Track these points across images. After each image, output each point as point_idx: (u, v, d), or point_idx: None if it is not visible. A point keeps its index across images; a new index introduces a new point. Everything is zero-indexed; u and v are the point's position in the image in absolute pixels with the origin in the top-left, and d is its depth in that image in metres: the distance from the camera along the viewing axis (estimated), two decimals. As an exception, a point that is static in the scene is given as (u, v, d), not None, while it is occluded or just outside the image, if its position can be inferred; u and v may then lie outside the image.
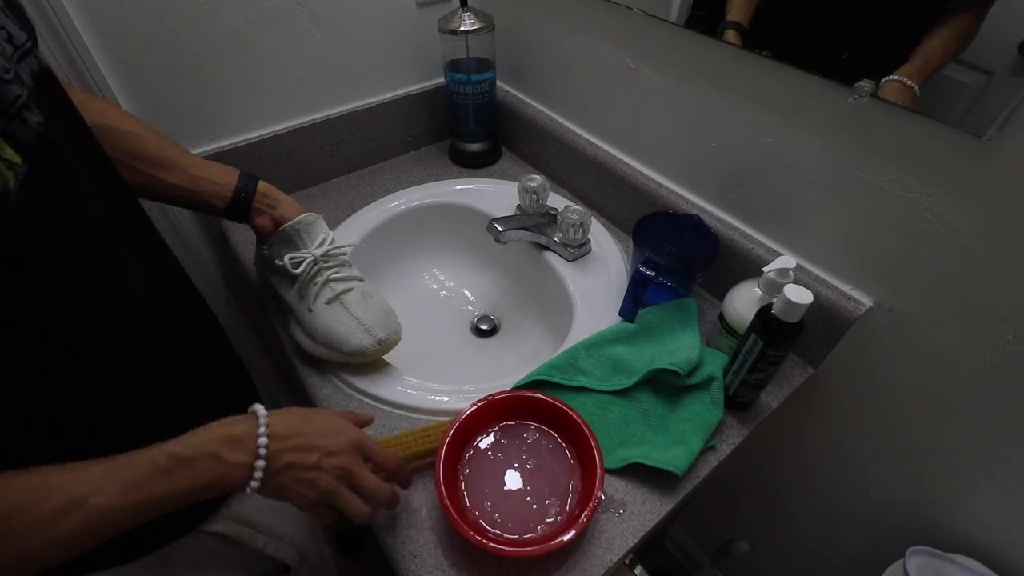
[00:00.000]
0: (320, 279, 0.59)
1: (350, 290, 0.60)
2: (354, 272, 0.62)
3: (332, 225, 0.82)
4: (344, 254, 0.61)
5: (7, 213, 0.30)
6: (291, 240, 0.59)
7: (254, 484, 0.39)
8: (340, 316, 0.59)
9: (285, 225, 0.58)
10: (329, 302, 0.59)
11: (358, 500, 0.44)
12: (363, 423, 0.50)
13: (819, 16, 0.52)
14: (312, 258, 0.59)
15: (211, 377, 0.52)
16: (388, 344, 0.60)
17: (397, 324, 0.62)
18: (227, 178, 0.58)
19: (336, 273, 0.60)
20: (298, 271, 0.58)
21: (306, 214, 0.59)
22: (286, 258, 0.58)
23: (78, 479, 0.33)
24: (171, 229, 0.81)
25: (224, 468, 0.38)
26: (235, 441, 0.39)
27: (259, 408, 0.41)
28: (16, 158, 0.31)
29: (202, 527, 0.48)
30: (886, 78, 0.47)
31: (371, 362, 0.61)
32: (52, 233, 0.34)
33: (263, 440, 0.39)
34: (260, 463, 0.39)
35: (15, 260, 0.31)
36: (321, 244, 0.60)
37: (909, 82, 0.46)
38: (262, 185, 0.60)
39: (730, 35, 0.57)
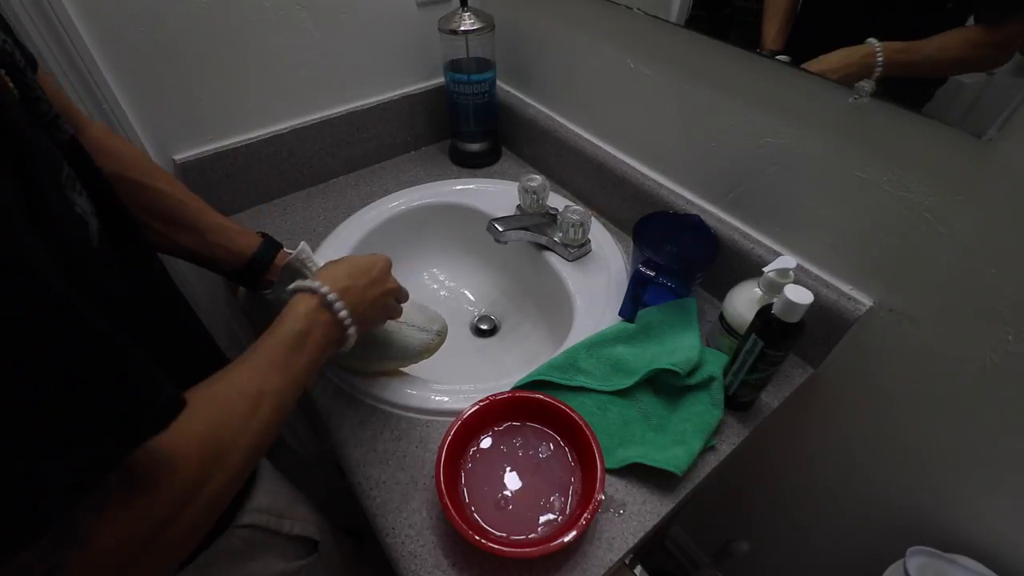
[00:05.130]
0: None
1: None
2: None
3: (332, 226, 0.82)
4: None
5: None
6: (299, 272, 0.55)
7: (351, 330, 0.46)
8: (388, 326, 0.59)
9: (290, 259, 0.55)
10: None
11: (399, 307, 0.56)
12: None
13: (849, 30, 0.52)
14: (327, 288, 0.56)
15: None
16: (444, 333, 0.63)
17: (437, 312, 0.64)
18: (244, 247, 0.55)
19: None
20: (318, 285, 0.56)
21: (302, 243, 0.56)
22: None
23: (246, 376, 0.37)
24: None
25: (328, 329, 0.44)
26: (319, 308, 0.44)
27: (311, 283, 0.45)
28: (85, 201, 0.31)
29: (235, 523, 0.49)
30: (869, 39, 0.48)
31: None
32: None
33: (333, 298, 0.45)
34: (343, 313, 0.45)
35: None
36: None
37: (878, 50, 0.47)
38: (281, 256, 0.57)
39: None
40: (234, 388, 0.36)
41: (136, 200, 0.50)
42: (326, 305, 0.45)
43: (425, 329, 0.61)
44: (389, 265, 0.54)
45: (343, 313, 0.45)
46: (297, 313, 0.43)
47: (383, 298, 0.52)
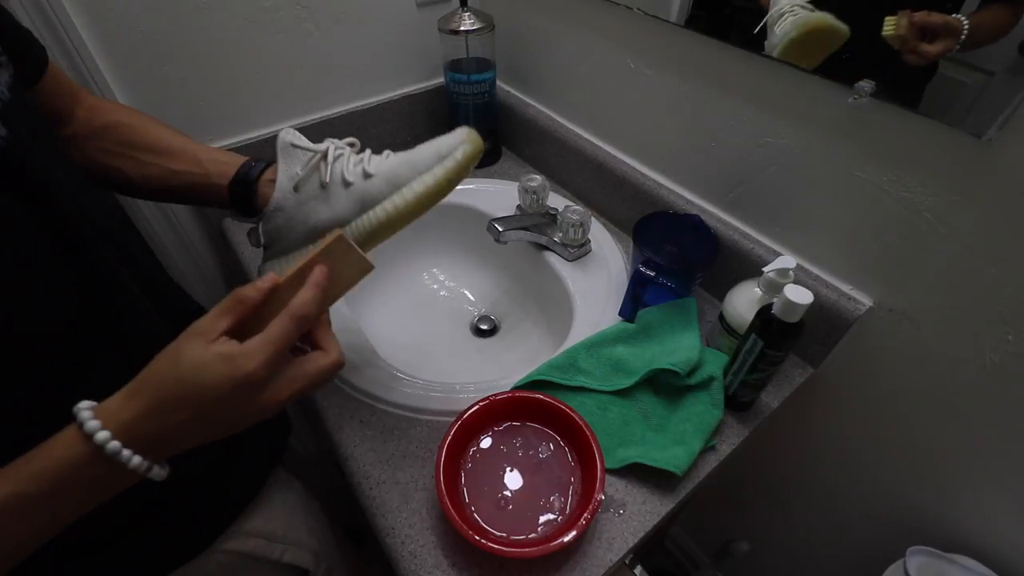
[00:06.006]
0: (359, 156, 0.50)
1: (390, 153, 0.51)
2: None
3: (332, 225, 0.82)
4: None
5: None
6: (294, 146, 0.50)
7: (154, 472, 0.34)
8: (404, 156, 0.49)
9: (278, 141, 0.50)
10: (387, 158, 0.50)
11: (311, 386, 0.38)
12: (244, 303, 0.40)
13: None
14: (333, 144, 0.50)
15: None
16: (478, 142, 0.50)
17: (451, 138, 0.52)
18: (236, 160, 0.52)
19: (364, 152, 0.51)
20: (321, 147, 0.49)
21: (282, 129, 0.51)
22: (301, 158, 0.49)
23: None
24: (170, 227, 0.80)
25: (101, 483, 0.33)
26: (92, 461, 0.31)
27: (88, 421, 0.32)
28: None
29: (215, 546, 0.46)
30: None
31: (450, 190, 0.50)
32: (19, 251, 0.33)
33: (115, 448, 0.31)
34: (136, 461, 0.32)
35: None
36: (321, 141, 0.50)
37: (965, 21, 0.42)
38: (272, 170, 0.51)
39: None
40: None
41: (127, 139, 0.50)
42: (103, 457, 0.31)
43: (451, 145, 0.49)
44: (245, 385, 0.34)
45: (135, 461, 0.32)
46: (49, 457, 0.31)
47: (222, 426, 0.35)
